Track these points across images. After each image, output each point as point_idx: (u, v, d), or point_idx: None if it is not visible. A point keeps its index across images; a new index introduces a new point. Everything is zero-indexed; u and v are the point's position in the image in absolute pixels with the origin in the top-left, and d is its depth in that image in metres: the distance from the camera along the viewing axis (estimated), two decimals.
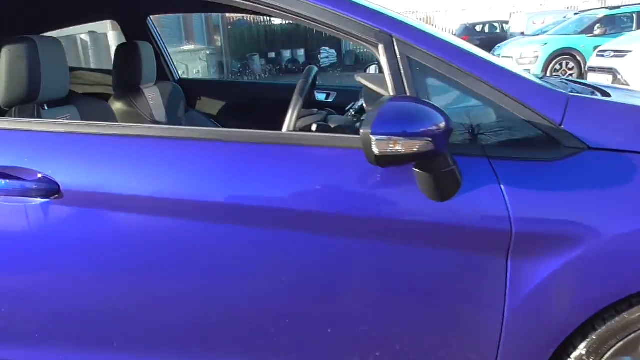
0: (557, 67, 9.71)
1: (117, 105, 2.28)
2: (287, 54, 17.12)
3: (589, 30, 9.52)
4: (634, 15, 9.18)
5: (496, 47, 11.23)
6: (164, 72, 2.70)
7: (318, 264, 1.24)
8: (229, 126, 2.76)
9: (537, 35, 11.07)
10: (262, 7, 1.34)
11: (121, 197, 1.26)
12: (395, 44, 1.25)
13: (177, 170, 1.27)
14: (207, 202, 1.24)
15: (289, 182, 1.24)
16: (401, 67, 1.24)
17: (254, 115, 2.82)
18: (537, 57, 9.66)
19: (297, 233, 1.23)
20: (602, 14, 9.51)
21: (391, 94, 1.25)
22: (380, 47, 1.26)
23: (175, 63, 3.01)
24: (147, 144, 1.30)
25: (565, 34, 9.87)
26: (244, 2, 1.34)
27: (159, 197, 1.25)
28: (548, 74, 8.97)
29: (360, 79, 1.59)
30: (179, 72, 2.99)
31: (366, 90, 1.56)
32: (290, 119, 1.50)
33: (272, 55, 16.84)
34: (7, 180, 1.29)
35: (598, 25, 9.24)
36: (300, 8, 1.29)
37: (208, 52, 10.01)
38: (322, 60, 17.07)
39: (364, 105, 1.55)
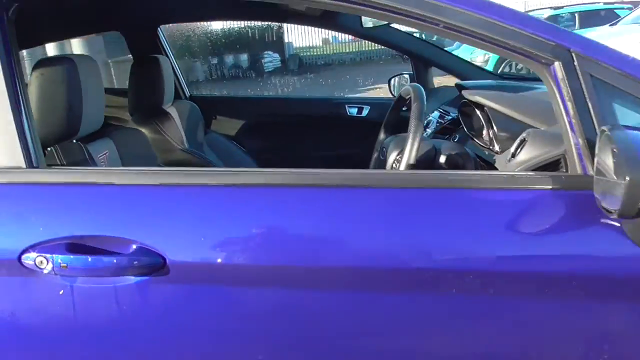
0: (507, 69, 9.95)
1: None
2: (229, 59, 16.67)
3: None
4: (576, 15, 9.60)
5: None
6: (175, 89, 2.35)
7: (527, 333, 1.01)
8: (251, 148, 2.48)
9: None
10: (401, 17, 1.08)
11: (248, 268, 0.97)
12: (575, 60, 1.04)
13: (325, 231, 0.99)
14: (375, 269, 0.97)
15: (477, 237, 0.99)
16: (584, 87, 1.03)
17: (278, 134, 2.55)
18: (487, 60, 9.85)
19: (485, 296, 0.99)
20: (546, 14, 9.87)
21: (571, 121, 1.04)
22: (557, 64, 1.03)
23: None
24: (273, 195, 1.01)
25: None
26: (383, 12, 1.08)
27: (304, 265, 0.97)
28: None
29: (479, 99, 1.37)
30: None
31: (493, 113, 1.34)
32: (411, 150, 1.25)
33: (215, 61, 16.32)
34: (90, 257, 0.95)
35: None
36: (455, 18, 1.05)
37: None
38: (265, 65, 16.79)
39: (495, 129, 1.32)
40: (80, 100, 1.28)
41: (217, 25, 17.03)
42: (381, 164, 1.49)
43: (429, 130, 1.81)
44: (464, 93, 1.47)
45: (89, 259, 0.94)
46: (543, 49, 1.04)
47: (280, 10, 2.16)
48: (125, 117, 2.13)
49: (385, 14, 1.08)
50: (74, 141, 1.35)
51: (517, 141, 1.24)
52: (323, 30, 18.12)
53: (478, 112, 1.49)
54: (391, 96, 2.68)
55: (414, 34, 2.50)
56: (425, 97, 1.33)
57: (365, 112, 2.50)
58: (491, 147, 1.48)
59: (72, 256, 0.94)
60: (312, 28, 17.97)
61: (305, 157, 2.54)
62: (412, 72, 2.54)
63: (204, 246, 0.96)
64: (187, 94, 2.49)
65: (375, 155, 1.64)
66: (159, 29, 2.28)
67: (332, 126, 2.54)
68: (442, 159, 1.30)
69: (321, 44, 19.09)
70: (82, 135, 1.34)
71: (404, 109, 1.62)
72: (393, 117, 1.63)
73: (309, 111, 2.57)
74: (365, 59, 17.95)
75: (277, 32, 17.49)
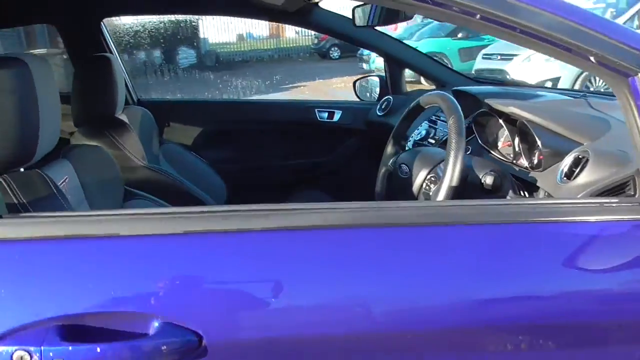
0: None
1: None
2: (141, 55, 15.75)
3: (453, 33, 10.15)
4: None
5: (359, 52, 11.37)
6: None
7: None
8: (212, 158, 2.19)
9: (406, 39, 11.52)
10: (472, 18, 0.90)
11: (316, 341, 0.74)
12: None
13: (413, 283, 0.78)
14: (469, 328, 0.78)
15: (574, 282, 0.83)
16: None
17: (241, 142, 2.28)
18: None
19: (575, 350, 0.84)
20: None
21: None
22: None
23: None
24: (339, 238, 0.78)
25: (431, 37, 10.42)
26: (449, 11, 0.89)
27: (392, 331, 0.76)
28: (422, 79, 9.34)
29: (515, 110, 1.22)
30: None
31: (534, 126, 1.19)
32: (453, 170, 1.07)
33: (125, 57, 15.33)
34: (98, 346, 0.67)
35: None
36: (534, 21, 0.89)
37: (65, 57, 8.39)
38: (180, 62, 16.09)
39: (539, 145, 1.18)
40: (37, 114, 0.97)
41: (126, 20, 16.03)
42: (401, 183, 1.31)
43: (432, 141, 1.65)
44: (490, 102, 1.33)
45: (97, 349, 0.66)
46: (627, 59, 0.90)
47: (246, 4, 1.91)
48: (64, 129, 1.77)
49: (452, 13, 0.89)
50: (22, 169, 1.03)
51: (571, 159, 1.10)
52: (238, 26, 17.74)
53: (502, 122, 1.35)
54: (358, 99, 2.51)
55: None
56: (459, 108, 1.17)
57: (337, 117, 2.30)
58: (515, 162, 1.35)
59: (70, 346, 0.66)
60: (228, 24, 17.50)
61: (272, 166, 2.31)
62: (383, 75, 2.39)
63: (255, 315, 0.72)
64: (135, 98, 2.16)
65: (383, 170, 1.45)
66: (102, 22, 1.93)
67: (301, 132, 2.32)
68: (487, 179, 1.14)
69: (236, 40, 18.64)
70: (37, 159, 1.03)
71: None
72: (404, 128, 1.45)
73: (274, 116, 2.33)
74: (283, 56, 17.78)
75: (192, 27, 16.83)
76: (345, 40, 2.17)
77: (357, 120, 2.30)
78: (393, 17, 1.57)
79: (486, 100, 1.34)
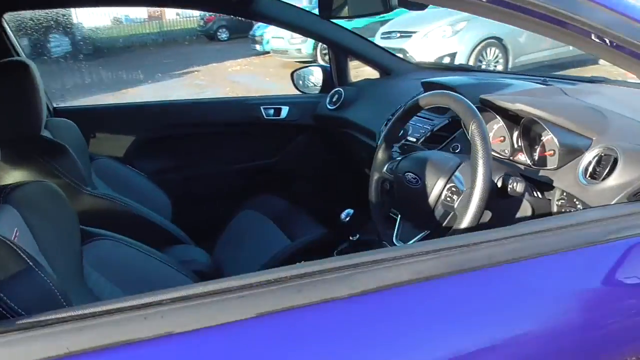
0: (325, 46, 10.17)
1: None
2: None
3: None
4: None
5: (250, 32, 11.08)
6: None
7: None
8: (149, 170, 1.93)
9: None
10: (527, 17, 0.80)
11: None
12: None
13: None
14: None
15: None
16: None
17: (180, 149, 2.04)
18: (307, 38, 9.92)
19: None
20: None
21: None
22: None
23: None
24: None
25: None
26: (505, 9, 0.78)
27: None
28: (318, 53, 9.27)
29: (522, 106, 1.15)
30: None
31: (545, 122, 1.13)
32: (485, 180, 0.98)
33: None
34: None
35: None
36: (595, 18, 0.81)
37: None
38: (53, 50, 14.63)
39: (557, 144, 1.12)
40: None
41: None
42: (409, 193, 1.20)
43: (412, 139, 1.55)
44: (489, 97, 1.25)
45: None
46: None
47: None
48: None
49: (508, 11, 0.79)
50: None
51: (591, 157, 1.06)
52: (114, 9, 16.44)
53: (499, 118, 1.29)
54: (298, 92, 2.35)
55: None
56: (479, 113, 1.07)
57: (284, 113, 2.13)
58: (512, 158, 1.29)
59: None
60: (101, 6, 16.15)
61: (218, 172, 2.09)
62: (325, 65, 2.25)
63: None
64: (51, 107, 1.81)
65: (376, 177, 1.33)
66: (2, 18, 1.57)
67: (247, 132, 2.12)
68: (518, 187, 1.06)
69: (113, 24, 17.32)
70: None
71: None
72: (398, 131, 1.33)
73: (216, 116, 2.10)
74: (168, 39, 16.86)
75: (63, 11, 15.35)
76: (291, 30, 2.00)
77: (305, 115, 2.15)
78: (368, 7, 1.43)
79: (482, 96, 1.27)
